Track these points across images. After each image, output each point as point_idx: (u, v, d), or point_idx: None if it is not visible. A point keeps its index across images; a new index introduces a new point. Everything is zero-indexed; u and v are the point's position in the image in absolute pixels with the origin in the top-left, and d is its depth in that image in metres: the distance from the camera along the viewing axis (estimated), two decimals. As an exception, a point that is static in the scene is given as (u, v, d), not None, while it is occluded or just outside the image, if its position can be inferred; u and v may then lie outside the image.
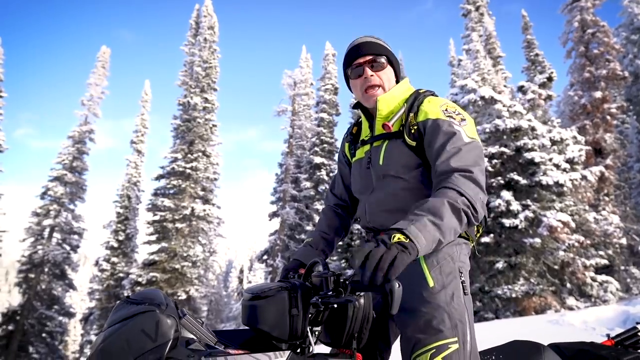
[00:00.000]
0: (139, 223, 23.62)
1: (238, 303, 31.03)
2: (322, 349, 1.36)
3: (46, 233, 20.94)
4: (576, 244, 11.66)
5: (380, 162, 1.53)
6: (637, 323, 1.85)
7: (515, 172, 12.42)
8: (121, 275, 22.00)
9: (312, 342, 1.16)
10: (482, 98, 12.87)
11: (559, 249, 11.71)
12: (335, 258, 16.43)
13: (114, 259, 22.72)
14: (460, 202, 1.21)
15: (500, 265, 11.77)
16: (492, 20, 17.36)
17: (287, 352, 1.11)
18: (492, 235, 12.08)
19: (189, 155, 20.63)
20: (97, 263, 23.44)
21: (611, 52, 17.28)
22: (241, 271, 46.45)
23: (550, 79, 15.13)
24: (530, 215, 11.77)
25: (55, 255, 20.43)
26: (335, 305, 1.14)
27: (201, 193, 20.69)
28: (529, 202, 12.13)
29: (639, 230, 16.13)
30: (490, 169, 12.47)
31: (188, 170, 20.21)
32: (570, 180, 12.17)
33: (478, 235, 1.64)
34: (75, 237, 21.73)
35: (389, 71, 1.60)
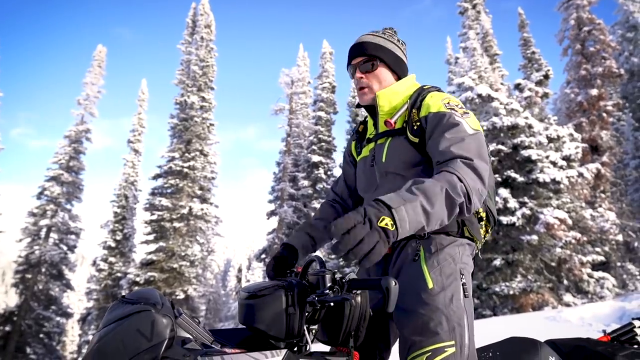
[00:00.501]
0: (137, 222, 23.58)
1: (236, 302, 31.06)
2: (319, 347, 1.36)
3: (43, 233, 20.86)
4: (573, 241, 11.71)
5: (383, 160, 1.53)
6: (633, 319, 1.86)
7: (512, 170, 12.45)
8: (119, 275, 21.96)
9: (309, 341, 1.16)
10: (479, 96, 12.89)
11: (555, 245, 11.76)
12: (332, 256, 16.43)
13: (112, 259, 22.67)
14: (458, 189, 1.16)
15: (497, 262, 11.81)
16: (489, 18, 17.38)
17: (284, 351, 1.11)
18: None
19: (187, 155, 20.58)
20: (94, 263, 23.38)
21: (607, 49, 17.35)
22: (239, 270, 46.44)
23: (546, 76, 15.17)
24: (528, 212, 11.81)
25: (52, 255, 20.36)
26: (332, 304, 1.13)
27: (199, 192, 20.67)
28: (526, 199, 12.18)
29: (635, 227, 16.22)
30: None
31: (185, 170, 20.17)
32: (567, 177, 12.22)
33: (486, 235, 1.61)
34: (73, 237, 21.66)
35: (380, 72, 1.58)
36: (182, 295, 18.81)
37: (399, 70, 1.62)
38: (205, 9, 23.09)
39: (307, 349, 1.15)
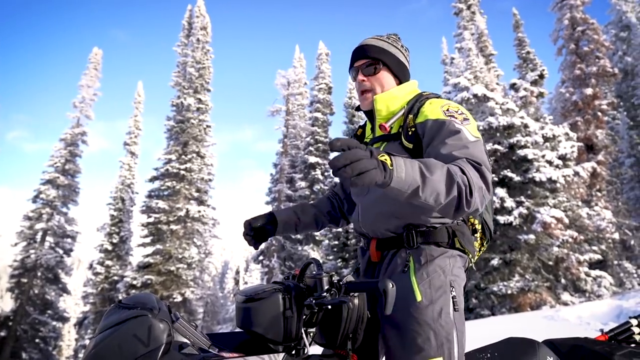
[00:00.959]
0: (133, 225, 23.49)
1: (234, 304, 30.98)
2: (317, 350, 1.36)
3: (39, 237, 20.75)
4: (570, 240, 11.75)
5: None
6: (631, 317, 1.86)
7: (508, 169, 12.50)
8: (115, 278, 21.87)
9: (307, 344, 1.15)
10: (475, 96, 12.93)
11: (553, 244, 11.80)
12: (330, 258, 16.43)
13: (108, 262, 22.58)
14: (459, 177, 1.11)
15: (495, 262, 11.84)
16: (484, 18, 17.46)
17: (282, 354, 1.11)
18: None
19: (183, 157, 20.55)
20: (91, 266, 23.29)
21: (601, 49, 17.45)
22: (237, 272, 46.36)
23: (541, 76, 15.23)
24: (524, 211, 11.85)
25: (48, 259, 20.24)
26: (330, 306, 1.13)
27: (196, 194, 20.63)
28: (522, 198, 12.22)
29: (631, 225, 16.31)
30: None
31: (182, 172, 20.14)
32: (563, 176, 12.27)
33: (481, 249, 1.57)
34: (69, 240, 21.55)
35: (383, 75, 1.56)
36: (179, 298, 18.75)
37: (401, 75, 1.60)
38: (201, 11, 23.08)
39: (305, 352, 1.15)
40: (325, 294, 1.09)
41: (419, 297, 1.31)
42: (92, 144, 23.95)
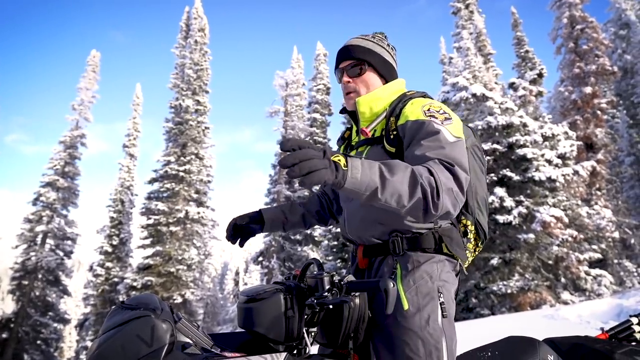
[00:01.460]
0: (133, 227, 23.48)
1: (234, 305, 30.95)
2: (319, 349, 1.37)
3: (39, 239, 20.74)
4: (570, 239, 11.77)
5: None
6: (631, 316, 1.87)
7: (507, 169, 12.51)
8: (116, 280, 21.86)
9: (309, 343, 1.16)
10: (474, 95, 12.94)
11: (552, 244, 11.81)
12: (330, 258, 16.43)
13: (109, 264, 22.57)
14: (424, 178, 1.08)
15: (494, 261, 11.84)
16: (482, 17, 17.48)
17: (284, 354, 1.11)
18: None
19: (182, 158, 20.54)
20: (91, 268, 23.27)
21: (600, 47, 17.47)
22: (237, 273, 46.32)
23: (540, 75, 15.25)
24: (524, 211, 11.86)
25: (48, 261, 20.23)
26: (331, 306, 1.13)
27: (195, 196, 20.62)
28: (522, 198, 12.23)
29: (631, 224, 16.33)
30: (483, 166, 12.54)
31: (181, 173, 20.13)
32: (563, 175, 12.28)
33: (476, 250, 1.54)
34: (69, 242, 21.54)
35: (368, 76, 1.52)
36: (179, 299, 18.74)
37: (388, 75, 1.56)
38: (198, 13, 23.08)
39: (307, 351, 1.16)
40: (326, 293, 1.10)
41: (405, 305, 1.29)
42: (91, 146, 23.97)
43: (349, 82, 1.52)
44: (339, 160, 0.97)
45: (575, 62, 17.64)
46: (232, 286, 45.75)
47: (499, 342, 1.63)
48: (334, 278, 1.13)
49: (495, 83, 15.02)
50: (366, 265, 1.46)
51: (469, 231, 1.47)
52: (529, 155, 12.22)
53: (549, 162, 12.50)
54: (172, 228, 19.47)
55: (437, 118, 1.31)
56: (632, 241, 15.97)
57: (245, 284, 40.81)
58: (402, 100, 1.45)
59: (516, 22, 18.82)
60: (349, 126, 1.72)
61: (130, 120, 25.39)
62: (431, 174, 1.10)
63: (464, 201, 1.21)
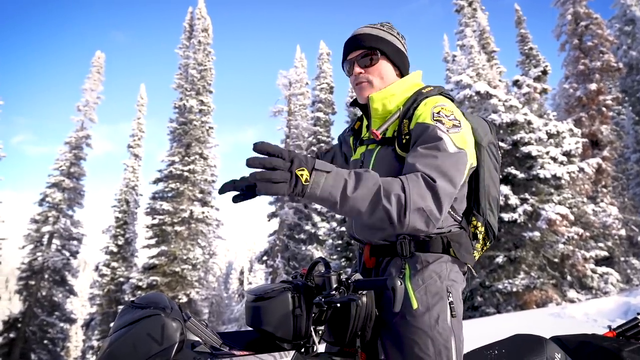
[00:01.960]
0: (138, 227, 23.60)
1: (239, 304, 31.04)
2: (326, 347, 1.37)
3: (45, 240, 20.89)
4: (575, 237, 11.70)
5: (370, 169, 1.42)
6: (638, 314, 1.86)
7: (512, 166, 12.45)
8: (121, 279, 21.98)
9: (316, 342, 1.17)
10: (478, 93, 12.89)
11: (558, 241, 11.75)
12: (334, 257, 16.43)
13: (114, 264, 22.69)
14: (392, 196, 1.07)
15: (500, 259, 11.80)
16: (486, 15, 17.39)
17: (292, 352, 1.12)
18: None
19: (186, 158, 20.60)
20: (97, 268, 23.40)
21: (605, 43, 17.33)
22: (241, 272, 46.45)
23: (544, 72, 15.17)
24: (529, 208, 11.80)
25: (55, 261, 20.38)
26: (338, 304, 1.14)
27: (199, 195, 20.69)
28: (527, 195, 12.17)
29: (637, 221, 16.20)
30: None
31: (186, 173, 20.19)
32: (568, 172, 12.21)
33: (484, 248, 1.51)
34: (75, 242, 21.68)
35: (382, 66, 1.45)
36: (184, 299, 18.82)
37: (401, 65, 1.49)
38: (202, 13, 23.13)
39: (315, 349, 1.16)
40: (333, 292, 1.10)
41: (415, 305, 1.28)
42: (96, 147, 24.05)
43: (360, 72, 1.45)
44: (302, 175, 0.97)
45: (579, 58, 17.52)
46: (236, 285, 45.90)
47: (506, 340, 1.63)
48: (341, 277, 1.14)
49: (499, 80, 14.95)
50: (373, 264, 1.45)
51: (478, 232, 1.45)
52: (534, 153, 12.16)
53: (554, 159, 12.44)
54: (177, 228, 19.54)
55: (444, 124, 1.27)
56: (639, 238, 15.85)
57: (250, 283, 40.92)
58: (417, 100, 1.39)
59: (520, 19, 18.71)
60: (359, 116, 1.67)
61: (135, 121, 25.49)
62: (403, 190, 1.10)
63: (442, 218, 1.17)
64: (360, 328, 1.22)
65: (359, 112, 1.63)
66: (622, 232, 13.90)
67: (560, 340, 1.71)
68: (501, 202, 11.74)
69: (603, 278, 12.02)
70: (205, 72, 22.08)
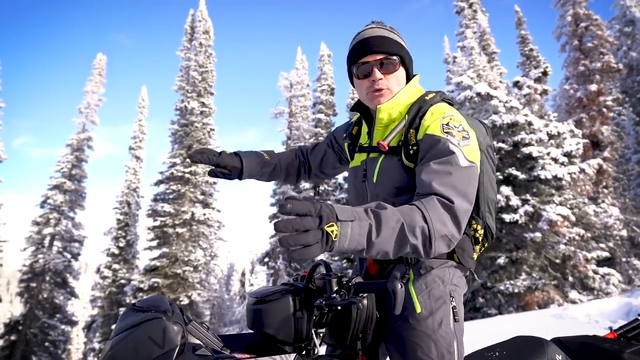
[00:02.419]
0: (139, 229, 23.61)
1: (241, 306, 31.03)
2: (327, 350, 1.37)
3: (47, 242, 20.92)
4: (577, 237, 11.68)
5: (374, 180, 1.41)
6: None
7: (513, 167, 12.44)
8: (123, 281, 21.98)
9: (317, 344, 1.17)
10: (478, 94, 12.89)
11: (559, 242, 11.73)
12: (336, 259, 16.42)
13: (115, 266, 22.70)
14: (417, 230, 1.06)
15: (501, 260, 11.79)
16: (486, 16, 17.42)
17: (293, 355, 1.12)
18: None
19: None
20: (98, 270, 23.42)
21: (605, 44, 17.35)
22: (243, 274, 46.47)
23: (545, 73, 15.17)
24: (530, 209, 11.79)
25: (56, 263, 20.40)
26: (339, 307, 1.14)
27: (201, 197, 20.70)
28: (528, 196, 12.16)
29: (639, 222, 16.18)
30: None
31: (187, 175, 20.21)
32: (569, 173, 12.20)
33: (482, 249, 1.51)
34: (76, 245, 21.71)
35: (400, 73, 1.42)
36: (186, 301, 18.81)
37: (411, 72, 1.47)
38: (203, 15, 23.18)
39: (316, 352, 1.17)
40: (334, 294, 1.10)
41: (418, 309, 1.29)
42: (98, 149, 24.11)
43: (381, 79, 1.37)
44: (332, 231, 0.93)
45: (580, 59, 17.52)
46: (238, 287, 45.90)
47: (507, 342, 1.63)
48: (342, 279, 1.14)
49: (500, 82, 14.96)
50: (377, 271, 1.45)
51: (478, 235, 1.44)
52: (535, 154, 12.16)
53: (555, 160, 12.43)
54: (178, 230, 19.55)
55: (454, 136, 1.25)
56: (640, 239, 15.82)
57: (252, 285, 40.91)
58: (422, 108, 1.37)
59: (520, 21, 18.73)
60: (356, 120, 1.63)
61: (136, 123, 25.54)
62: (425, 220, 1.08)
63: (461, 235, 1.17)
64: (361, 331, 1.22)
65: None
66: (624, 232, 13.88)
67: (561, 342, 1.71)
68: (502, 203, 11.74)
69: (604, 279, 12.00)
70: (206, 74, 22.12)
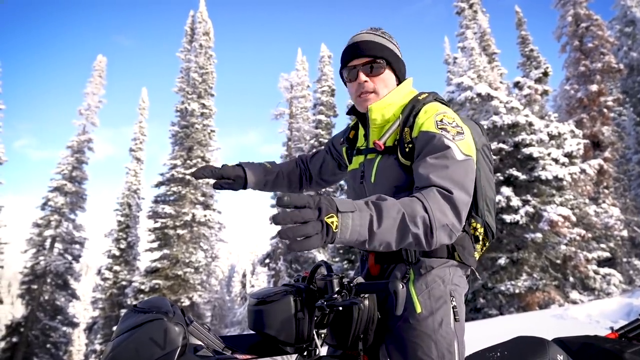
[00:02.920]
0: (140, 231, 23.61)
1: (242, 308, 31.01)
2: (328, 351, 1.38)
3: (48, 243, 20.94)
4: (577, 238, 11.67)
5: (372, 180, 1.43)
6: (640, 315, 1.86)
7: (514, 168, 12.44)
8: (124, 283, 21.99)
9: (319, 345, 1.17)
10: (479, 95, 12.90)
11: (560, 243, 11.72)
12: (337, 259, 16.42)
13: (116, 268, 22.71)
14: (418, 219, 1.06)
15: (502, 261, 11.78)
16: (486, 17, 17.43)
17: (294, 356, 1.12)
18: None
19: (188, 162, 20.63)
20: (99, 272, 23.42)
21: (605, 45, 17.35)
22: (244, 275, 46.45)
23: (545, 73, 15.17)
24: (531, 210, 11.78)
25: (57, 265, 20.42)
26: (341, 308, 1.14)
27: (201, 199, 20.70)
28: (529, 197, 12.16)
29: (639, 222, 16.16)
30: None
31: (187, 177, 20.21)
32: (570, 174, 12.20)
33: (483, 249, 1.52)
34: (77, 246, 21.72)
35: (386, 75, 1.45)
36: (187, 302, 18.81)
37: (401, 74, 1.50)
38: (203, 17, 23.21)
39: (317, 353, 1.16)
40: (336, 295, 1.10)
41: (418, 309, 1.29)
42: (98, 150, 24.14)
43: (366, 81, 1.42)
44: (332, 222, 0.94)
45: (580, 60, 17.52)
46: (239, 288, 45.88)
47: (508, 342, 1.63)
48: (343, 280, 1.14)
49: (500, 82, 14.96)
50: (378, 271, 1.46)
51: (478, 234, 1.45)
52: (535, 154, 12.15)
53: (556, 160, 12.42)
54: (179, 231, 19.55)
55: (448, 132, 1.27)
56: (641, 239, 15.81)
57: (253, 286, 40.89)
58: (415, 107, 1.40)
59: (520, 21, 18.74)
60: (353, 124, 1.65)
61: (137, 124, 25.56)
62: (426, 210, 1.08)
63: (462, 226, 1.18)
64: (362, 331, 1.22)
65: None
66: (624, 233, 13.87)
67: (562, 342, 1.71)
68: (503, 204, 11.73)
69: (605, 279, 11.98)
70: (206, 75, 22.14)
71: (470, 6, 17.28)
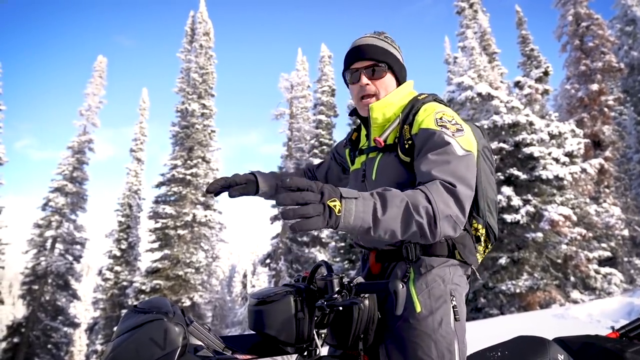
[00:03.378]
0: (141, 231, 23.65)
1: (243, 308, 31.02)
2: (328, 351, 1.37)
3: (48, 244, 20.97)
4: (578, 237, 11.66)
5: (373, 177, 1.45)
6: (641, 314, 1.86)
7: (514, 167, 12.43)
8: (125, 283, 22.02)
9: (319, 345, 1.17)
10: (479, 95, 12.89)
11: (561, 242, 11.71)
12: (337, 259, 16.42)
13: (117, 268, 22.74)
14: (421, 209, 1.08)
15: (503, 260, 11.77)
16: (487, 16, 17.42)
17: (295, 356, 1.12)
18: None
19: (189, 162, 20.65)
20: (100, 272, 23.46)
21: (606, 44, 17.33)
22: (244, 276, 46.47)
23: (546, 73, 15.16)
24: (532, 210, 11.78)
25: (58, 266, 20.44)
26: (341, 308, 1.14)
27: (202, 199, 20.71)
28: (529, 196, 12.15)
29: (640, 221, 16.14)
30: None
31: (188, 177, 20.24)
32: (570, 173, 12.19)
33: (485, 251, 1.52)
34: (78, 247, 21.75)
35: (387, 79, 1.48)
36: (188, 303, 18.82)
37: (402, 78, 1.53)
38: (203, 17, 23.23)
39: (317, 353, 1.16)
40: (336, 295, 1.10)
41: (418, 308, 1.29)
42: (99, 151, 24.20)
43: (368, 84, 1.46)
44: (335, 206, 0.95)
45: (581, 59, 17.50)
46: (240, 289, 45.88)
47: (509, 342, 1.63)
48: (344, 280, 1.14)
49: (501, 82, 14.95)
50: (379, 270, 1.46)
51: (479, 234, 1.45)
52: (536, 154, 12.15)
53: (556, 160, 12.41)
54: (180, 231, 19.57)
55: (448, 129, 1.29)
56: (642, 239, 15.79)
57: (253, 286, 40.91)
58: (414, 106, 1.42)
59: (521, 21, 18.73)
60: (355, 127, 1.68)
61: (137, 125, 25.60)
62: (429, 201, 1.10)
63: (466, 219, 1.20)
64: (362, 331, 1.22)
65: (358, 121, 1.64)
66: (625, 232, 13.85)
67: (563, 342, 1.71)
68: (504, 204, 11.72)
69: (606, 279, 11.97)
70: (206, 75, 22.16)
71: (471, 6, 17.27)
